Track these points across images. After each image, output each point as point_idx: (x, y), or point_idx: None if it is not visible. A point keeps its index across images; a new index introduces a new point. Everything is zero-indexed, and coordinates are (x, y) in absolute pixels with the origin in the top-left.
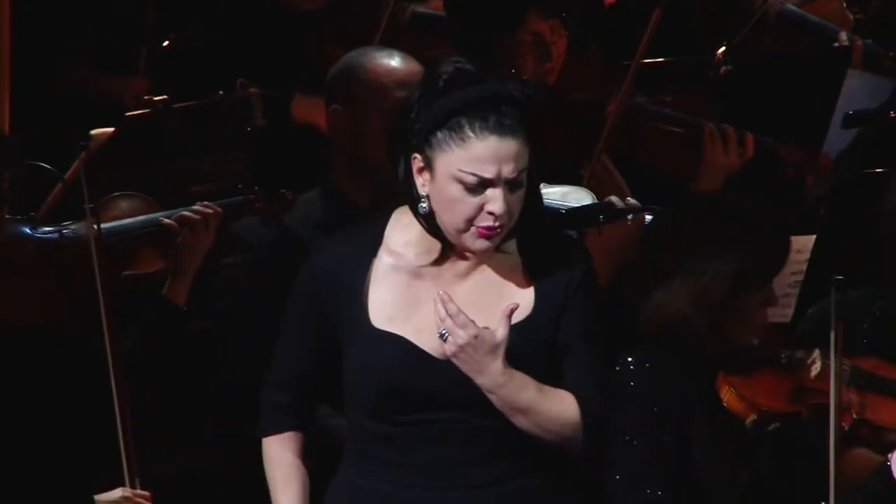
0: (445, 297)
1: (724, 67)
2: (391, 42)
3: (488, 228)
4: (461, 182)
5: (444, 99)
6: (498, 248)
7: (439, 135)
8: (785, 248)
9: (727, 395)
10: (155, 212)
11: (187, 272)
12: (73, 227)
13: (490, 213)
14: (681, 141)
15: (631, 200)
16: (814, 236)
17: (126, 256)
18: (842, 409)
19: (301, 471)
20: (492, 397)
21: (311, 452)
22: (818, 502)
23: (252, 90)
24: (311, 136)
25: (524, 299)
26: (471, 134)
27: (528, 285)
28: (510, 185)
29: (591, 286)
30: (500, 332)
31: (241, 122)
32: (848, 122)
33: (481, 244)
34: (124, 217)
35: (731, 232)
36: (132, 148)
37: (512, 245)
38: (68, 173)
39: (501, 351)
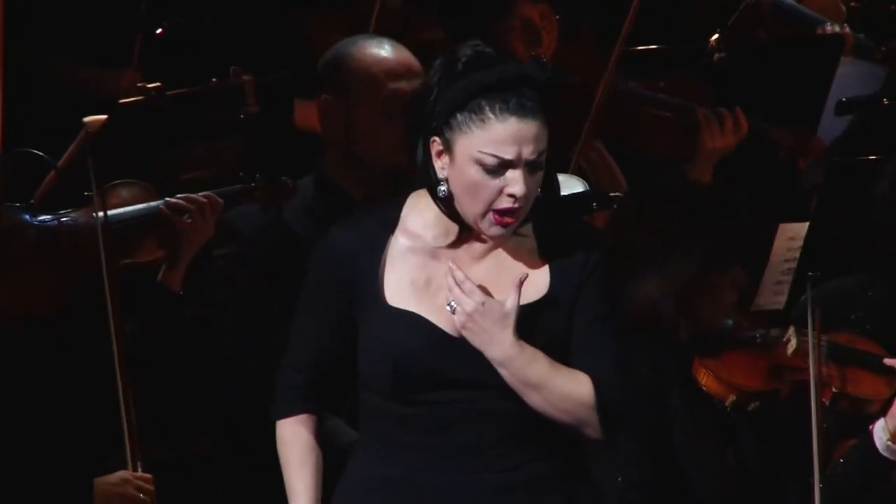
0: (453, 266)
1: (717, 55)
2: (383, 24)
3: (507, 211)
4: (481, 164)
5: (464, 81)
6: (514, 231)
7: (459, 117)
8: (752, 231)
9: (705, 379)
10: (154, 200)
11: (183, 260)
12: (72, 214)
13: (510, 196)
14: (674, 125)
15: None
16: (807, 223)
17: (127, 244)
18: (822, 384)
19: (315, 452)
20: (503, 372)
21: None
22: (803, 479)
23: (245, 77)
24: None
25: (540, 280)
26: (491, 115)
27: (544, 267)
28: (530, 167)
29: (606, 269)
30: (510, 302)
31: (234, 109)
32: (841, 109)
33: (497, 231)
34: (124, 205)
35: (694, 216)
36: (125, 135)
37: (528, 228)
38: (61, 161)
39: (511, 321)
